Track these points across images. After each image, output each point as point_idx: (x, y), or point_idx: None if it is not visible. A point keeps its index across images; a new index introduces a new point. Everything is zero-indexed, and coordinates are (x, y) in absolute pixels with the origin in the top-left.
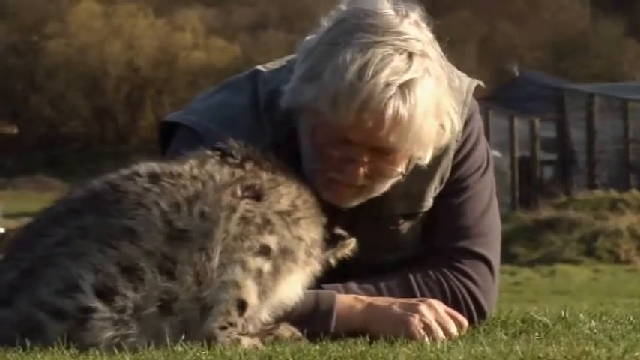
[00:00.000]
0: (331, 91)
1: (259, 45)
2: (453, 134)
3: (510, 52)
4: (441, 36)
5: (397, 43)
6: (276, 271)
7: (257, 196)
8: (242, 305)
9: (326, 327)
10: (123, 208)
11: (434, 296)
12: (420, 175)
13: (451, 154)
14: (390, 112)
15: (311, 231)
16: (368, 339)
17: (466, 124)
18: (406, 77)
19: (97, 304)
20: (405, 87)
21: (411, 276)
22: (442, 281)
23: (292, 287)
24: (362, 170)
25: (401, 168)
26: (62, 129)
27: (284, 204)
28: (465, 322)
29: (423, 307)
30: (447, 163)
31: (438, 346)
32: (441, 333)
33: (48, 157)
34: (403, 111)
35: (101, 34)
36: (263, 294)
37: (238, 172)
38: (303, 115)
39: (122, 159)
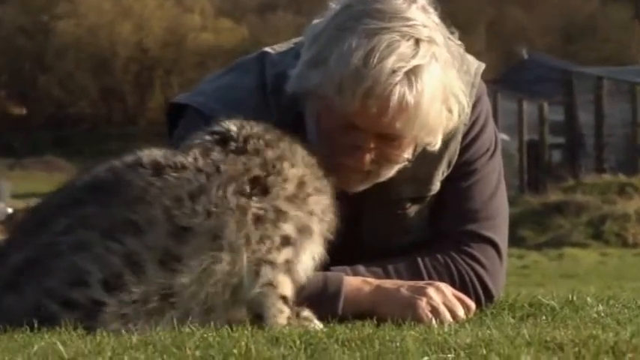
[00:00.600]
0: (337, 77)
1: (268, 26)
2: (462, 118)
3: (519, 35)
4: (450, 19)
5: (404, 29)
6: (297, 252)
7: (264, 190)
8: (285, 299)
9: (333, 309)
10: (126, 200)
11: (442, 279)
12: (427, 159)
13: (459, 137)
14: (395, 98)
15: (321, 200)
16: (375, 322)
17: (474, 107)
18: (413, 63)
19: (106, 298)
20: (412, 73)
21: (419, 259)
22: (450, 264)
23: (310, 260)
24: (368, 156)
25: (407, 153)
26: (70, 109)
27: (291, 187)
28: (472, 305)
29: (431, 290)
30: (454, 147)
31: (445, 329)
32: (448, 316)
33: (56, 137)
34: (409, 98)
35: (110, 15)
36: (293, 279)
37: (242, 160)
38: (310, 100)
39: (130, 140)
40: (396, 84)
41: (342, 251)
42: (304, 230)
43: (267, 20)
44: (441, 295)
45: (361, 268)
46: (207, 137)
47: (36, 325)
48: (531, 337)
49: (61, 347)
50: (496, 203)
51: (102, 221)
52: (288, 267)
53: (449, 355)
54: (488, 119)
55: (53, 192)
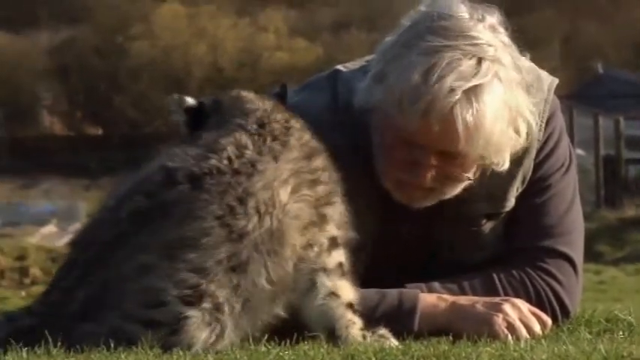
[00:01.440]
0: (397, 93)
1: (342, 45)
2: (531, 138)
3: (594, 50)
4: (524, 34)
5: (467, 47)
6: (347, 253)
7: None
8: (352, 306)
9: (409, 326)
10: (175, 221)
11: (517, 295)
12: (502, 176)
13: (533, 153)
14: (455, 118)
15: (338, 190)
16: (451, 338)
17: (548, 123)
18: (473, 83)
19: (188, 311)
20: (472, 92)
21: (494, 275)
22: (526, 281)
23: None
24: (429, 173)
25: (471, 172)
26: (145, 129)
27: (321, 190)
28: (548, 321)
29: (507, 307)
30: (529, 163)
31: (522, 345)
32: (524, 332)
33: (130, 157)
34: (469, 117)
35: (185, 36)
36: (351, 282)
37: (271, 154)
38: (374, 115)
39: None
40: (456, 103)
41: (416, 267)
42: (342, 226)
43: (341, 38)
44: (517, 311)
45: (436, 284)
46: (238, 132)
47: (112, 346)
48: (608, 352)
49: None
50: (571, 218)
51: (157, 246)
52: (343, 270)
53: None
54: (562, 134)
55: (93, 226)
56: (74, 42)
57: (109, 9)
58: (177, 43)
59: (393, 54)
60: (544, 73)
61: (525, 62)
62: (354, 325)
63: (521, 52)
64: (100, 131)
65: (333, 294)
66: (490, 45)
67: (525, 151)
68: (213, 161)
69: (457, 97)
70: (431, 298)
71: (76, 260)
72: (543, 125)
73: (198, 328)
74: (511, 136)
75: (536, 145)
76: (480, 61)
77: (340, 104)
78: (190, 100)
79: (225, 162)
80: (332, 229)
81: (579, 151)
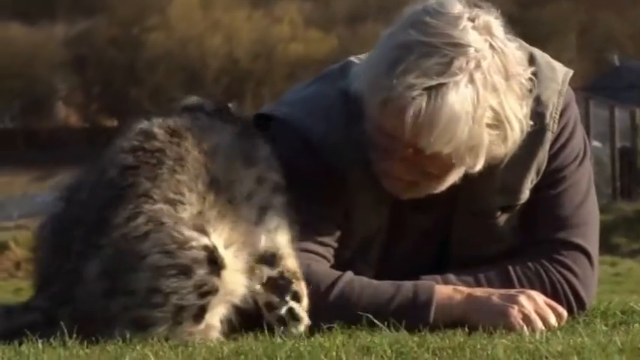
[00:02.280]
0: (365, 83)
1: (357, 36)
2: (514, 144)
3: (611, 41)
4: (541, 26)
5: (443, 46)
6: None
7: None
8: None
9: (425, 318)
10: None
11: (533, 288)
12: (515, 168)
13: (547, 145)
14: (411, 113)
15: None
16: (466, 330)
17: (562, 114)
18: (436, 81)
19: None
20: (434, 91)
21: (510, 267)
22: (541, 273)
23: None
24: (402, 165)
25: (450, 171)
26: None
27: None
28: (564, 313)
29: (522, 298)
30: (542, 155)
31: (537, 337)
32: (540, 324)
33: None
34: (426, 115)
35: (200, 27)
36: None
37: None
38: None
39: None
40: (413, 98)
41: (431, 260)
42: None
43: (356, 30)
44: (533, 303)
45: (452, 276)
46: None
47: (128, 337)
48: (623, 344)
49: (152, 358)
50: (586, 210)
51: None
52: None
53: None
54: (577, 126)
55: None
56: (90, 34)
57: (125, 0)
58: (192, 35)
59: (378, 44)
60: (558, 65)
61: (541, 57)
62: None
63: (532, 45)
64: (115, 123)
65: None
66: (471, 46)
67: (539, 142)
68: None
69: (416, 93)
70: (446, 290)
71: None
72: (557, 117)
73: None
74: (490, 140)
75: (550, 137)
76: (452, 60)
77: (351, 95)
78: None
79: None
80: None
81: (595, 143)
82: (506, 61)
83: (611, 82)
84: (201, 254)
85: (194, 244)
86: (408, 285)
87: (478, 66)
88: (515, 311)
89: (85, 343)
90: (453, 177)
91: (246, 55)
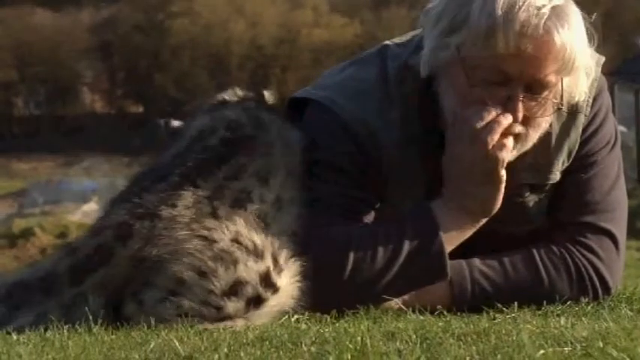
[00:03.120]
0: (484, 26)
1: (381, 22)
2: (596, 75)
3: (636, 25)
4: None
5: None
6: None
7: None
8: None
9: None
10: None
11: (558, 272)
12: (547, 146)
13: (580, 127)
14: (548, 33)
15: None
16: (492, 315)
17: (595, 100)
18: (555, 2)
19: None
20: (557, 11)
21: (534, 251)
22: (566, 257)
23: None
24: (521, 106)
25: (550, 113)
26: (187, 107)
27: None
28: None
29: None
30: (575, 137)
31: (562, 322)
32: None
33: (173, 135)
34: (561, 34)
35: (224, 13)
36: None
37: None
38: (447, 74)
39: None
40: (547, 21)
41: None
42: None
43: (381, 15)
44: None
45: (477, 260)
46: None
47: (153, 323)
48: None
49: (177, 344)
50: (615, 196)
51: None
52: None
53: (565, 349)
54: (609, 112)
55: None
56: (116, 20)
57: None
58: (216, 21)
59: (456, 4)
60: (590, 50)
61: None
62: None
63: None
64: (140, 109)
65: None
66: None
67: (571, 124)
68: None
69: (547, 14)
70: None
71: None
72: (590, 101)
73: None
74: (589, 65)
75: (582, 120)
76: None
77: (391, 78)
78: (176, 123)
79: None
80: None
81: (621, 128)
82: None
83: (636, 67)
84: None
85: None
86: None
87: None
88: (481, 134)
89: (110, 329)
90: (546, 123)
91: (271, 40)
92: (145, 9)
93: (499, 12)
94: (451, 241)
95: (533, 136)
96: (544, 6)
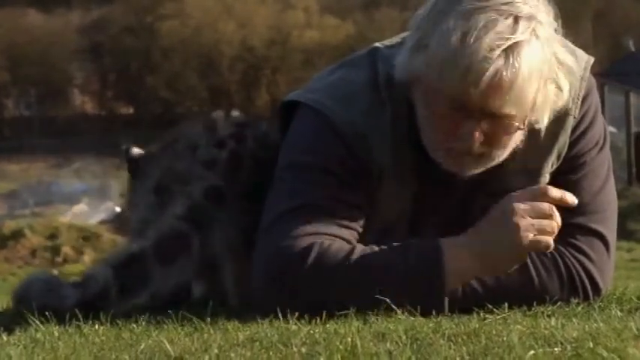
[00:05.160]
0: (438, 58)
1: (373, 23)
2: (572, 96)
3: (626, 26)
4: (555, 10)
5: (502, 7)
6: None
7: None
8: None
9: (438, 277)
10: None
11: (548, 273)
12: (537, 150)
13: (569, 129)
14: (492, 76)
15: None
16: (482, 316)
17: (584, 101)
18: (511, 41)
19: None
20: (510, 51)
21: None
22: (557, 258)
23: None
24: (477, 135)
25: (518, 134)
26: (178, 109)
27: None
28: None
29: (515, 209)
30: (564, 139)
31: (552, 323)
32: (552, 224)
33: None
34: (507, 75)
35: (214, 14)
36: None
37: None
38: (417, 86)
39: None
40: (494, 62)
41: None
42: None
43: (372, 17)
44: (527, 209)
45: None
46: None
47: (143, 323)
48: (639, 330)
49: (167, 345)
50: (605, 197)
51: None
52: None
53: (555, 349)
54: (598, 113)
55: None
56: (106, 21)
57: None
58: (206, 22)
59: (428, 22)
60: (580, 51)
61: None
62: None
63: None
64: (131, 110)
65: None
66: (525, 3)
67: (561, 126)
68: None
69: (495, 55)
70: (451, 249)
71: None
72: (579, 102)
73: None
74: (551, 93)
75: (571, 122)
76: (516, 19)
77: (381, 80)
78: (136, 151)
79: None
80: None
81: (611, 129)
82: (548, 11)
83: (626, 68)
84: None
85: None
86: (414, 243)
87: (537, 20)
88: (523, 221)
89: (101, 330)
90: (515, 141)
91: (261, 42)
92: (135, 10)
93: (450, 47)
94: (453, 277)
95: (500, 153)
96: (498, 47)
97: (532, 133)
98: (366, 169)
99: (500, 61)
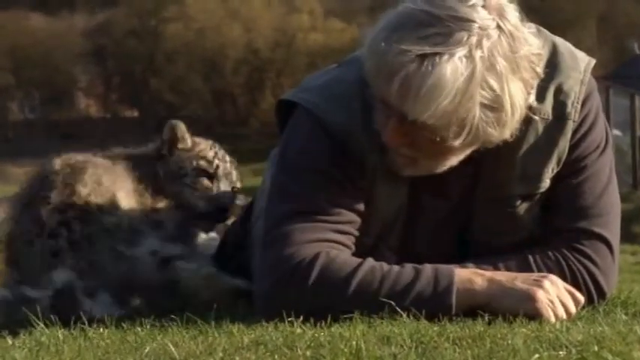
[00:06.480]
0: (366, 49)
1: None
2: (511, 131)
3: (631, 29)
4: (559, 14)
5: (447, 18)
6: None
7: None
8: None
9: (446, 304)
10: None
11: None
12: (536, 156)
13: (568, 134)
14: (404, 77)
15: None
16: (487, 319)
17: (584, 104)
18: (432, 50)
19: None
20: (428, 59)
21: (529, 257)
22: (561, 262)
23: None
24: (392, 131)
25: (447, 147)
26: (182, 112)
27: None
28: (581, 299)
29: (546, 283)
30: (564, 144)
31: (557, 326)
32: (561, 311)
33: None
34: (415, 79)
35: (218, 17)
36: None
37: None
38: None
39: (242, 141)
40: (405, 65)
41: (452, 248)
42: None
43: (377, 20)
44: (555, 288)
45: (470, 265)
46: None
47: (148, 327)
48: None
49: (172, 348)
50: (608, 199)
51: None
52: None
53: (560, 353)
54: (599, 115)
55: None
56: (110, 24)
57: None
58: (211, 25)
59: (379, 25)
60: (581, 54)
61: (564, 46)
62: None
63: (552, 33)
64: (135, 113)
65: None
66: (475, 22)
67: (560, 131)
68: None
69: (407, 59)
70: (466, 274)
71: None
72: (579, 106)
73: None
74: (476, 120)
75: (571, 126)
76: (452, 33)
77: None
78: None
79: None
80: None
81: (616, 132)
82: (514, 45)
83: (631, 71)
84: None
85: None
86: (428, 271)
87: (480, 43)
88: (542, 295)
89: (106, 333)
90: (452, 159)
91: (266, 44)
92: (139, 14)
93: (374, 43)
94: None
95: (434, 164)
96: (414, 51)
97: (528, 139)
98: (360, 167)
99: (414, 65)
